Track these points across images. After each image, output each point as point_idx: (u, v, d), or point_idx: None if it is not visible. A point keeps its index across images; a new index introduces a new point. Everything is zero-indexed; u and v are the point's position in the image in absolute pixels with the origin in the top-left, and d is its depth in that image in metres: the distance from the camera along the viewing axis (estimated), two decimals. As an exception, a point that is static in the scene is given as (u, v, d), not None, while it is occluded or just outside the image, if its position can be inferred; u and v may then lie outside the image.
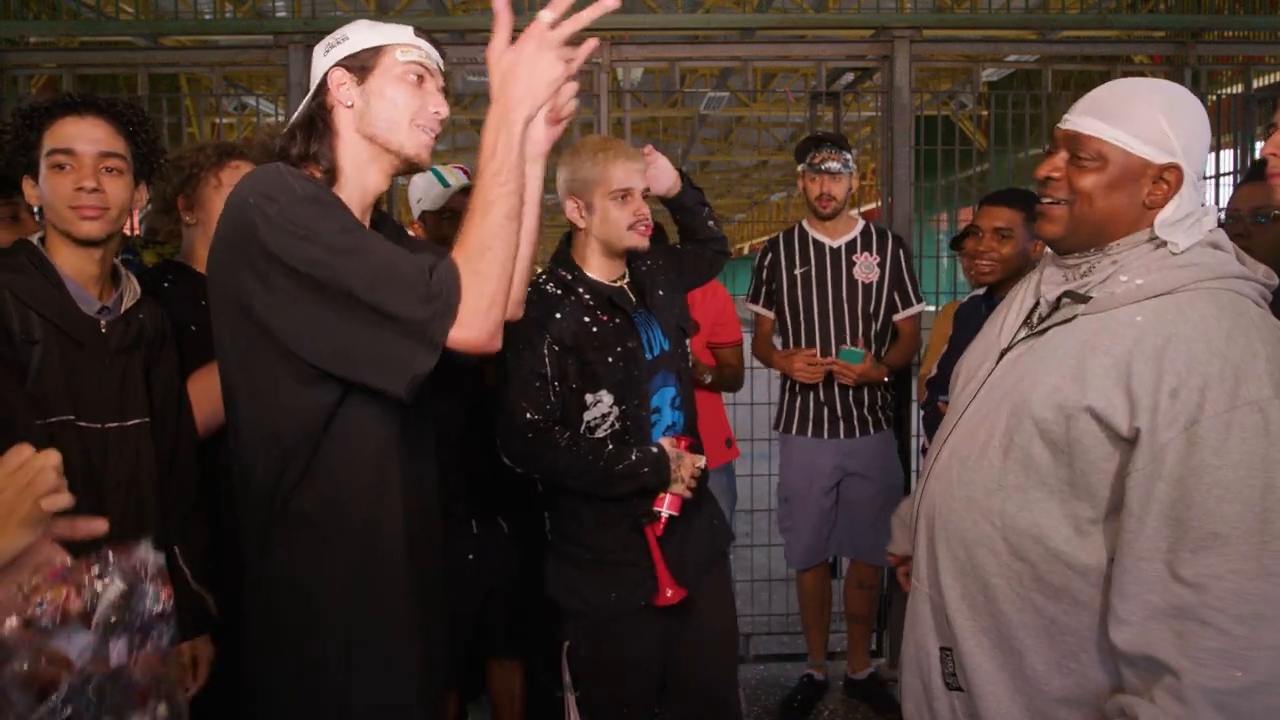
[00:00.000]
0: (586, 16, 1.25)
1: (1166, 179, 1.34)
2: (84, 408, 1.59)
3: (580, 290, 2.07)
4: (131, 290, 1.71)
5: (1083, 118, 1.37)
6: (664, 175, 2.29)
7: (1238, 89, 4.32)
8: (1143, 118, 1.33)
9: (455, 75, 3.84)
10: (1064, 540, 1.32)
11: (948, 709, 1.47)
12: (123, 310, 1.68)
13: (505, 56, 1.28)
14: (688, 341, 2.27)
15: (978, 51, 4.09)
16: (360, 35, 1.46)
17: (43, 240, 1.65)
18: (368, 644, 1.41)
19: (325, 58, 1.47)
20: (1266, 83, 4.61)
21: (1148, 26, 4.17)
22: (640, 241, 2.09)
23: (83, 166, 1.62)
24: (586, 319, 2.05)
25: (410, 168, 1.50)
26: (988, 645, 1.40)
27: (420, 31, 1.49)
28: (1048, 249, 1.51)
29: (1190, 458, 1.19)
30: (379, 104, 1.44)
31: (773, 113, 10.58)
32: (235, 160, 2.01)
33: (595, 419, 2.05)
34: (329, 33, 1.50)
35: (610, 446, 2.01)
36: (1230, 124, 4.24)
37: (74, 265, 1.63)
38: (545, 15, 1.25)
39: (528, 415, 2.00)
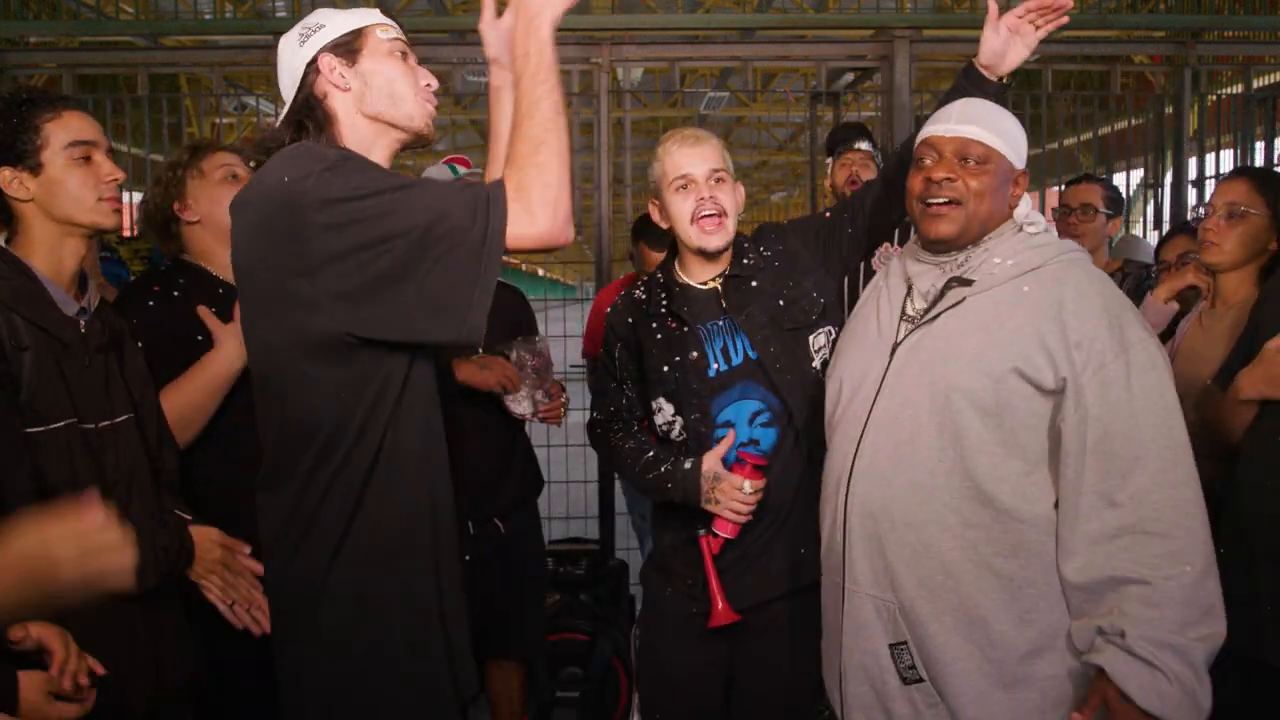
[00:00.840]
0: None
1: (1020, 183, 1.55)
2: (80, 410, 1.58)
3: (662, 295, 2.00)
4: (94, 288, 1.70)
5: (967, 126, 1.52)
6: (1012, 51, 1.87)
7: (1238, 89, 4.33)
8: (1009, 130, 1.54)
9: (455, 75, 3.84)
10: (1008, 497, 1.42)
11: (907, 705, 1.49)
12: (93, 309, 1.67)
13: None
14: (819, 336, 1.95)
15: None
16: (335, 21, 1.45)
17: (7, 241, 1.60)
18: (448, 619, 1.46)
19: (302, 48, 1.44)
20: (1266, 83, 4.62)
21: (1148, 26, 4.17)
22: (705, 240, 1.90)
23: (105, 159, 1.61)
24: (654, 324, 1.98)
25: (418, 141, 1.49)
26: (950, 624, 1.45)
27: (386, 11, 1.50)
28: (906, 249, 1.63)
29: (1106, 397, 1.37)
30: (378, 81, 1.42)
31: (773, 113, 10.59)
32: (208, 152, 2.01)
33: (664, 425, 1.99)
34: None
35: (650, 453, 1.97)
36: (1230, 124, 4.24)
37: (53, 266, 1.59)
38: None
39: (595, 414, 2.11)
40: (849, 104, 4.19)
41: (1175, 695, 1.28)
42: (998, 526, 1.43)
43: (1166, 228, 4.00)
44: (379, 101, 1.42)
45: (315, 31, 1.44)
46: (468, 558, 2.35)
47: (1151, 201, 4.27)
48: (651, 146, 2.04)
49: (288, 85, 1.46)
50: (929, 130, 1.58)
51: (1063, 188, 3.21)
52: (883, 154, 3.39)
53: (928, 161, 1.54)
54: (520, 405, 2.41)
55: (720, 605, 1.88)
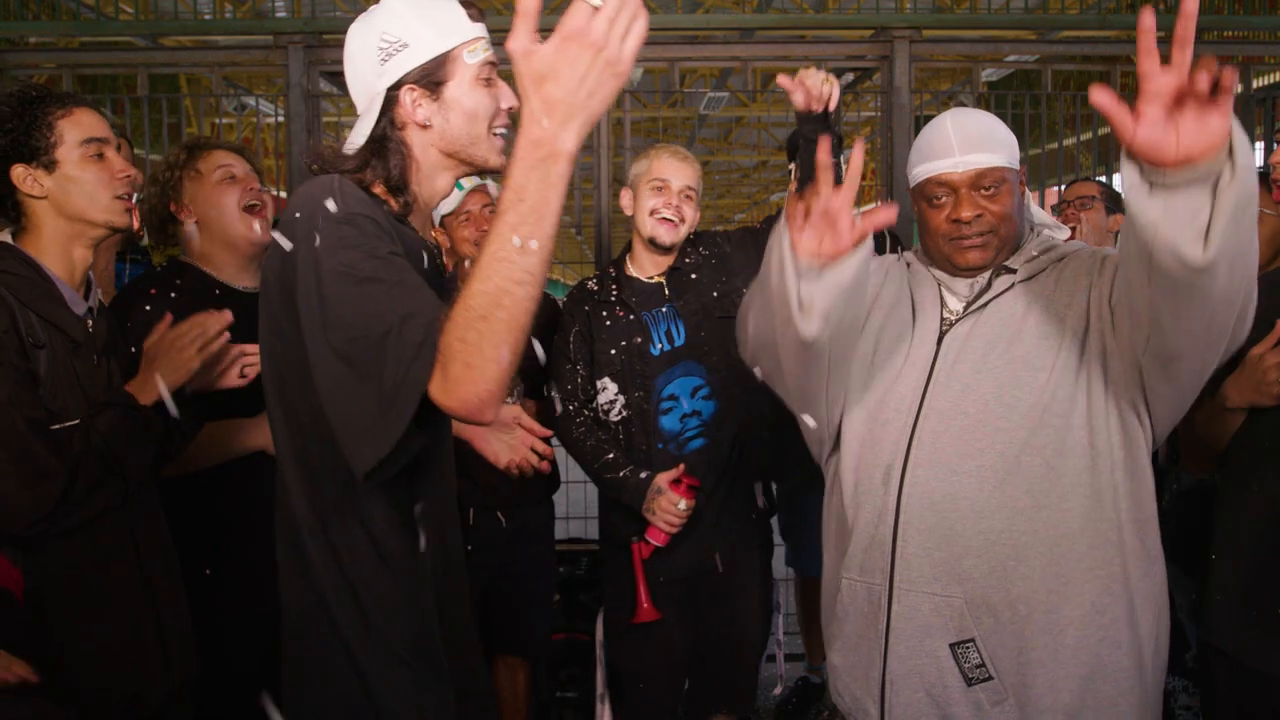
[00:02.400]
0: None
1: (1021, 182, 1.60)
2: (90, 409, 1.59)
3: (613, 286, 2.33)
4: (96, 288, 1.70)
5: (973, 155, 1.53)
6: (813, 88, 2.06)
7: (1237, 89, 4.32)
8: (1004, 138, 1.56)
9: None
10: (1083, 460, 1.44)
11: (969, 708, 1.44)
12: (96, 309, 1.67)
13: (541, 58, 0.97)
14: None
15: (977, 51, 4.09)
16: (421, 37, 1.31)
17: (14, 238, 1.60)
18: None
19: (384, 68, 1.32)
20: (1266, 83, 4.61)
21: (1148, 26, 4.16)
22: (657, 230, 2.23)
23: (117, 156, 1.61)
24: (604, 313, 2.30)
25: (483, 173, 1.43)
26: (1024, 612, 1.42)
27: (470, 7, 1.35)
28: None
29: None
30: (458, 117, 1.34)
31: (773, 113, 10.57)
32: (205, 151, 2.00)
33: (605, 403, 2.27)
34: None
35: (610, 455, 2.23)
36: (1230, 124, 4.23)
37: (63, 265, 1.60)
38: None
39: (554, 393, 2.33)
40: (849, 104, 4.18)
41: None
42: (1073, 498, 1.43)
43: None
44: (456, 140, 1.35)
45: (398, 51, 1.31)
46: (470, 547, 2.36)
47: (1151, 201, 4.26)
48: (652, 146, 2.31)
49: (361, 95, 1.37)
50: (932, 167, 1.55)
51: (1062, 188, 3.22)
52: (881, 153, 3.37)
53: (943, 200, 1.54)
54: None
55: (645, 604, 2.21)
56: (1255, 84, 4.21)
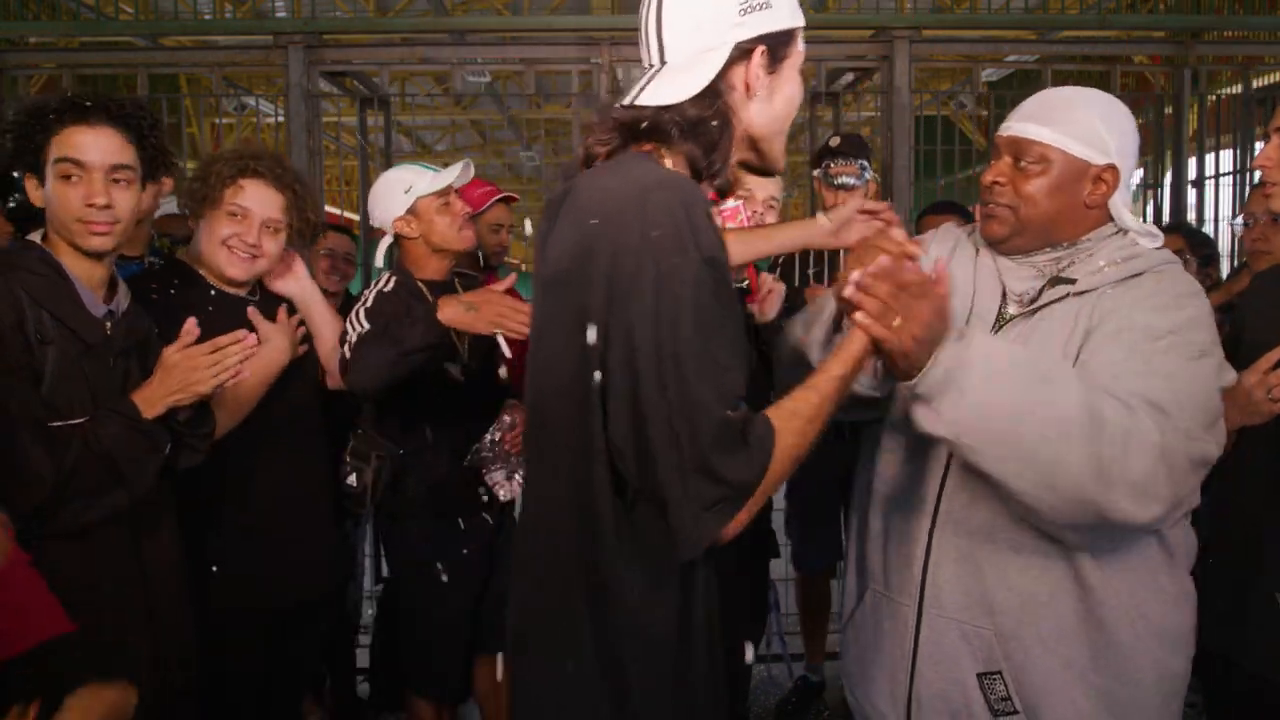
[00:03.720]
0: None
1: (1105, 179, 1.42)
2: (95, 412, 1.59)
3: None
4: (124, 292, 1.71)
5: (1024, 123, 1.43)
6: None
7: (1237, 89, 4.32)
8: (1081, 121, 1.41)
9: (455, 75, 3.84)
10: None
11: None
12: (120, 312, 1.68)
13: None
14: None
15: (977, 51, 4.09)
16: (781, 3, 1.17)
17: (43, 238, 1.64)
18: None
19: (741, 19, 1.14)
20: (1266, 83, 4.61)
21: (1147, 26, 4.17)
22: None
23: (93, 180, 1.57)
24: None
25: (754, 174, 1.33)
26: (1053, 646, 1.38)
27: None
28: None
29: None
30: (781, 101, 1.21)
31: (773, 113, 10.59)
32: (245, 179, 1.95)
33: None
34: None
35: None
36: (1230, 124, 4.24)
37: (81, 269, 1.62)
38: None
39: None
40: (849, 104, 4.18)
41: None
42: (1106, 536, 1.36)
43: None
44: (770, 125, 1.21)
45: (760, 9, 1.16)
46: (465, 551, 2.34)
47: (1151, 202, 4.26)
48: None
49: (689, 42, 1.16)
50: (1004, 125, 1.48)
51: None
52: (881, 153, 3.35)
53: (993, 160, 1.47)
54: (503, 489, 2.38)
55: None
56: (1255, 84, 4.21)
